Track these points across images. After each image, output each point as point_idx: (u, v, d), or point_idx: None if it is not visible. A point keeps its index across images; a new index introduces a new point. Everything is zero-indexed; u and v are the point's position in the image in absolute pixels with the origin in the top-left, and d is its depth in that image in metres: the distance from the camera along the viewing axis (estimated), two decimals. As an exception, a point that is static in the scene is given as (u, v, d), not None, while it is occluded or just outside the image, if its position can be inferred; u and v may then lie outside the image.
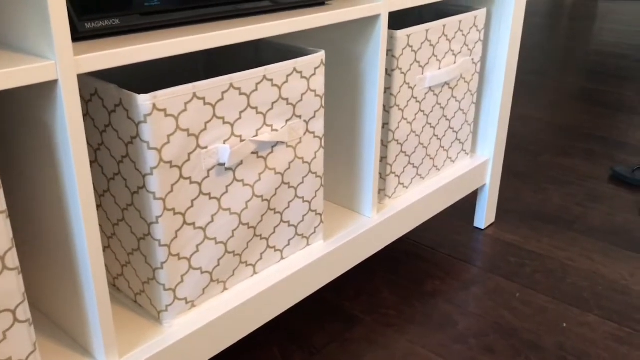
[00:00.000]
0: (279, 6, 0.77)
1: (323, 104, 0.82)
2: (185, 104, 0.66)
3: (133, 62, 0.59)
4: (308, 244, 0.89)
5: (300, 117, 0.80)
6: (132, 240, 0.72)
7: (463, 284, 1.12)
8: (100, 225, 0.77)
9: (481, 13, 1.10)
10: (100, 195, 0.74)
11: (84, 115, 0.70)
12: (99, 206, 0.75)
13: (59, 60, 0.53)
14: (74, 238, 0.62)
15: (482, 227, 1.30)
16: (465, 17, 1.06)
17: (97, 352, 0.67)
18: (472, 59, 1.11)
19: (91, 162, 0.73)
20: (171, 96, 0.65)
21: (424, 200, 1.08)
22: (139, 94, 0.63)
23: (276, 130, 0.77)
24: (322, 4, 0.83)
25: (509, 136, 1.80)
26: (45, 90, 0.56)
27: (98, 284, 0.62)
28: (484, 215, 1.30)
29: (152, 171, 0.65)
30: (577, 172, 1.58)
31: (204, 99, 0.68)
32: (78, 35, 0.59)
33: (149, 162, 0.65)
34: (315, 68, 0.80)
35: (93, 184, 0.74)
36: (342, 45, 0.92)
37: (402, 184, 1.06)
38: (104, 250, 0.78)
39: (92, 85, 0.67)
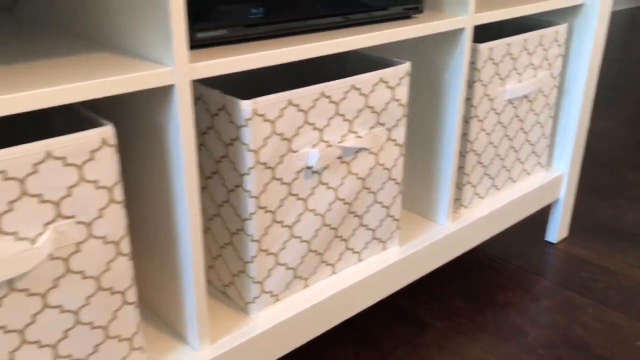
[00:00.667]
0: (370, 19, 0.81)
1: (405, 113, 0.85)
2: (281, 109, 0.71)
3: (241, 69, 0.64)
4: (384, 248, 0.92)
5: (383, 124, 0.83)
6: (225, 235, 0.77)
7: (534, 297, 1.12)
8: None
9: (562, 28, 1.10)
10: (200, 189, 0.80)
11: (186, 117, 0.76)
12: (194, 202, 0.81)
13: (176, 67, 0.59)
14: (177, 230, 0.67)
15: (555, 241, 1.30)
16: (547, 32, 1.07)
17: (191, 337, 0.72)
18: (552, 73, 1.12)
19: (190, 161, 0.78)
20: (269, 102, 0.69)
21: (499, 211, 1.09)
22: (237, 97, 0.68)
23: (360, 137, 0.81)
24: (408, 17, 0.86)
25: (586, 150, 1.77)
26: (162, 94, 0.62)
27: (197, 276, 0.68)
28: (557, 229, 1.29)
29: (249, 171, 0.70)
30: (655, 190, 1.54)
31: (297, 105, 0.72)
32: (191, 44, 0.65)
33: (247, 162, 0.70)
34: (401, 78, 0.83)
35: (191, 181, 0.79)
36: (426, 55, 0.95)
37: (478, 194, 1.07)
38: (195, 244, 0.84)
39: (197, 90, 0.72)
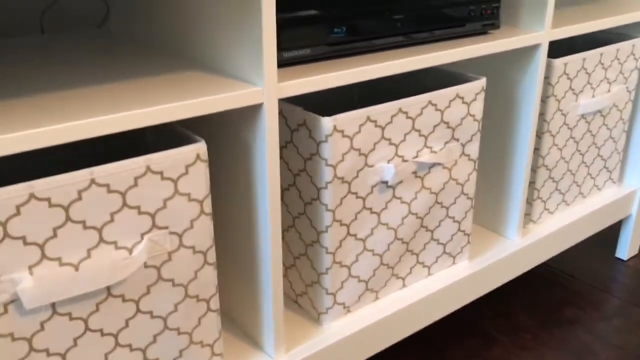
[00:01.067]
0: (448, 35, 0.82)
1: (480, 128, 0.86)
2: (360, 126, 0.72)
3: (326, 87, 0.66)
4: (454, 263, 0.92)
5: (457, 140, 0.84)
6: (300, 246, 0.79)
7: (603, 315, 1.10)
8: (269, 229, 0.85)
9: (639, 42, 1.08)
10: (273, 203, 0.82)
11: (266, 131, 0.78)
12: (270, 213, 0.83)
13: (265, 87, 0.61)
14: (258, 241, 0.70)
15: (625, 258, 1.27)
16: (623, 46, 1.05)
17: (267, 345, 0.74)
18: (627, 87, 1.10)
19: (267, 173, 0.81)
20: (349, 119, 0.71)
21: (568, 227, 1.07)
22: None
23: (435, 152, 0.82)
24: (484, 33, 0.86)
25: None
26: (250, 111, 0.64)
27: (275, 286, 0.70)
28: (627, 246, 1.26)
29: (326, 185, 0.72)
30: None
31: (375, 121, 0.74)
32: (277, 63, 0.67)
33: (325, 177, 0.72)
34: (476, 94, 0.83)
35: (268, 192, 0.82)
36: (500, 70, 0.95)
37: (548, 209, 1.06)
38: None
39: (279, 105, 0.75)
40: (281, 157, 0.78)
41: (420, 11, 0.77)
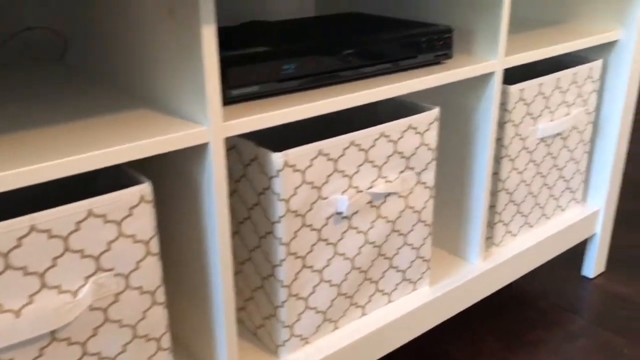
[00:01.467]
0: (398, 67, 0.83)
1: (435, 157, 0.87)
2: (311, 159, 0.73)
3: (273, 125, 0.66)
4: (415, 289, 0.93)
5: (412, 169, 0.85)
6: (256, 279, 0.80)
7: (569, 336, 1.11)
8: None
9: (597, 65, 1.10)
10: (231, 235, 0.82)
11: (221, 164, 0.79)
12: (227, 245, 0.84)
13: (210, 127, 0.61)
14: (210, 276, 0.70)
15: (591, 276, 1.28)
16: (580, 70, 1.07)
17: (223, 379, 0.74)
18: (586, 110, 1.11)
19: (224, 206, 0.81)
20: (300, 153, 0.72)
21: (532, 249, 1.08)
22: (269, 147, 0.70)
23: (390, 182, 0.82)
24: (437, 63, 0.87)
25: (624, 179, 1.74)
26: (196, 150, 0.64)
27: (228, 320, 0.70)
28: (593, 265, 1.27)
29: (279, 219, 0.73)
30: (698, 223, 1.51)
31: (327, 155, 0.74)
32: (225, 101, 0.68)
33: (277, 211, 0.72)
34: (430, 124, 0.84)
35: (224, 225, 0.82)
36: (456, 98, 0.96)
37: (510, 232, 1.07)
38: (229, 284, 0.86)
39: (231, 139, 0.75)
40: (236, 191, 0.78)
41: (370, 45, 0.78)
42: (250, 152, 0.73)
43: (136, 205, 0.60)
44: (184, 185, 0.69)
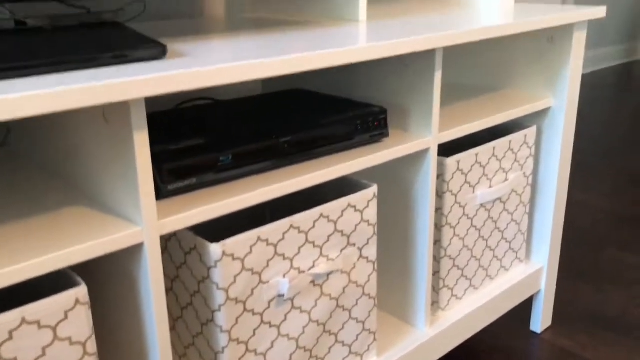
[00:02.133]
0: (336, 149, 0.86)
1: (376, 232, 0.89)
2: (251, 247, 0.75)
3: (210, 218, 0.68)
4: (362, 361, 0.94)
5: (354, 245, 0.87)
6: (200, 364, 0.80)
7: (517, 395, 1.13)
8: (173, 346, 0.85)
9: (531, 131, 1.15)
10: (175, 319, 0.83)
11: (163, 250, 0.80)
12: (172, 329, 0.84)
13: (145, 227, 0.63)
14: (151, 369, 0.70)
15: (538, 331, 1.31)
16: (515, 137, 1.12)
17: None
18: (524, 173, 1.16)
19: (167, 290, 0.82)
20: (239, 242, 0.73)
21: (478, 311, 1.11)
22: (209, 231, 0.72)
23: (332, 260, 0.85)
24: (375, 141, 0.91)
25: (568, 228, 1.80)
26: (132, 250, 0.66)
27: (170, 411, 0.70)
28: (540, 319, 1.31)
29: (219, 308, 0.74)
30: (640, 271, 1.56)
31: (267, 240, 0.76)
32: (161, 196, 0.69)
33: (217, 300, 0.73)
34: (369, 201, 0.87)
35: (168, 309, 0.83)
36: (394, 172, 0.99)
37: (455, 295, 1.10)
38: (175, 366, 0.86)
39: (171, 229, 0.77)
40: (178, 277, 0.79)
41: (307, 132, 0.81)
42: (189, 241, 0.74)
43: (72, 309, 0.60)
44: (121, 282, 0.69)
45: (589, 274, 1.55)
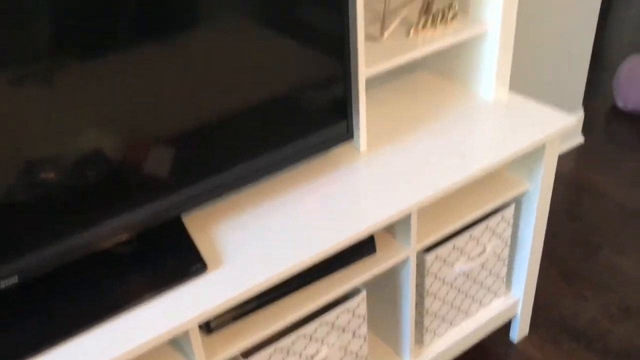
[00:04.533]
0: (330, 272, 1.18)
1: (365, 319, 1.23)
2: (270, 355, 1.12)
3: None
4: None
5: (348, 331, 1.22)
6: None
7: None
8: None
9: (509, 211, 1.39)
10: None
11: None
12: None
13: None
14: None
15: (515, 340, 1.64)
16: (491, 220, 1.37)
17: None
18: (502, 240, 1.43)
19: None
20: (262, 356, 1.11)
21: (457, 343, 1.45)
22: None
23: (330, 346, 1.21)
24: (372, 253, 1.22)
25: (567, 227, 2.02)
26: None
27: None
28: (517, 331, 1.63)
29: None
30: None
31: (281, 347, 1.13)
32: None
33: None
34: (359, 302, 1.21)
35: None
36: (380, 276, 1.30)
37: (437, 335, 1.44)
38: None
39: None
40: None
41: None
42: None
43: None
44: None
45: (572, 278, 1.81)
